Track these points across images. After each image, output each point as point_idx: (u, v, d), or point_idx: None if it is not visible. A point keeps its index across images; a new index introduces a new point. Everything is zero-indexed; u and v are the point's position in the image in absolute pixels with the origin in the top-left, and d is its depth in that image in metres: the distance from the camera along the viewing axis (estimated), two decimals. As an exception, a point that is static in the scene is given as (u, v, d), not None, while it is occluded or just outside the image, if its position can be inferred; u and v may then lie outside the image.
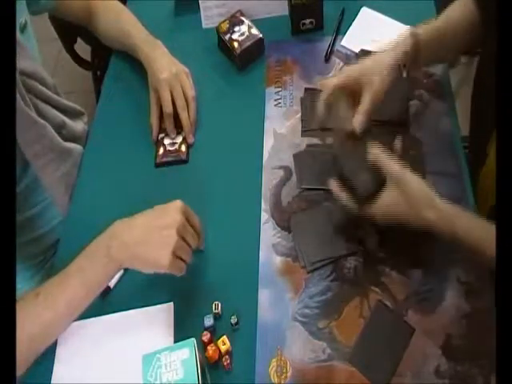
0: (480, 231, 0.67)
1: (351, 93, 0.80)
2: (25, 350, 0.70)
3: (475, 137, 0.90)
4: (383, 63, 0.79)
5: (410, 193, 0.70)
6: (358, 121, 0.77)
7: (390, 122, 0.90)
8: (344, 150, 0.79)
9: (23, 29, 0.89)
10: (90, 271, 0.72)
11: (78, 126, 1.06)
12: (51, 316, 0.72)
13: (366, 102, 0.77)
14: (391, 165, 0.71)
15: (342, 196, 0.76)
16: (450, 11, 0.85)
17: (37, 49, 0.96)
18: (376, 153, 0.73)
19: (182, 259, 0.73)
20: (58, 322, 0.74)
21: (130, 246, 0.72)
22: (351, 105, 0.79)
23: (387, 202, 0.71)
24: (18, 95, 0.81)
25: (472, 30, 0.83)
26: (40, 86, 0.91)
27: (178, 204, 0.74)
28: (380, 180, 0.72)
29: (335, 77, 0.82)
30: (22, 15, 0.89)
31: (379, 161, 0.72)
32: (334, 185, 0.77)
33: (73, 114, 1.05)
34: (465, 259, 0.75)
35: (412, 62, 0.80)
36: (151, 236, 0.71)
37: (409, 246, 0.78)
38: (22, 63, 0.85)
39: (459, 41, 0.85)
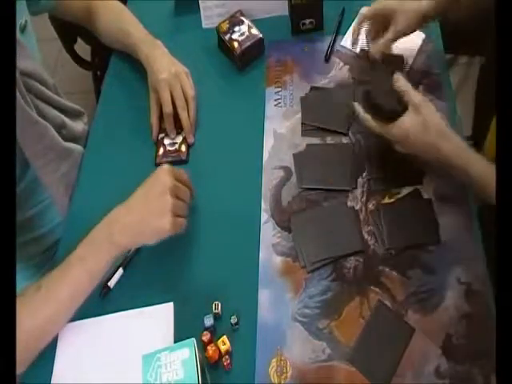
0: (487, 172, 0.69)
1: (380, 22, 0.89)
2: (27, 346, 0.71)
3: (477, 134, 0.90)
4: (424, 3, 0.84)
5: (429, 121, 0.73)
6: (377, 48, 0.87)
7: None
8: (374, 73, 0.86)
9: (23, 29, 0.89)
10: (92, 259, 0.74)
11: (78, 126, 1.06)
12: (54, 308, 0.73)
13: (391, 30, 0.85)
14: (415, 94, 0.76)
15: (366, 117, 0.80)
16: None
17: (37, 49, 0.96)
18: (402, 81, 0.77)
19: (180, 217, 0.76)
20: (61, 314, 0.75)
21: (131, 227, 0.75)
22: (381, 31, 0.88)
23: (407, 125, 0.75)
24: (18, 95, 0.81)
25: None
26: (40, 86, 0.91)
27: (164, 168, 0.78)
28: (402, 106, 0.76)
29: (368, 8, 0.89)
30: (22, 15, 0.89)
31: (404, 88, 0.76)
32: (358, 107, 0.82)
33: (73, 115, 1.05)
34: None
35: (441, 9, 0.85)
36: (149, 209, 0.75)
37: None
38: (22, 63, 0.85)
39: None
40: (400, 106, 0.76)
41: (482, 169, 0.71)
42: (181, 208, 0.77)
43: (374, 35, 0.91)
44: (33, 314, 0.71)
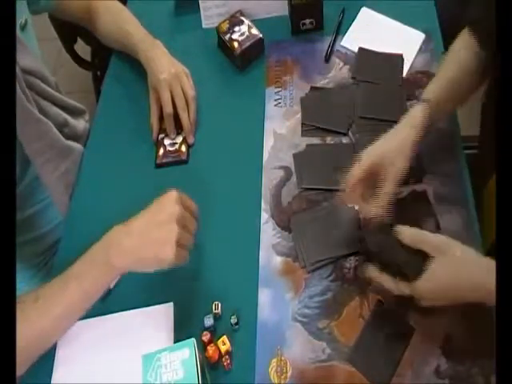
0: None
1: (371, 177, 0.76)
2: (22, 354, 0.70)
3: (485, 141, 0.90)
4: (406, 143, 0.76)
5: (455, 256, 0.66)
6: (379, 207, 0.74)
7: (389, 121, 0.89)
8: (381, 239, 0.74)
9: (23, 27, 0.89)
10: (88, 279, 0.71)
11: (80, 124, 1.06)
12: (49, 321, 0.72)
13: (387, 185, 0.75)
14: (432, 237, 0.68)
15: (385, 279, 0.70)
16: (451, 62, 0.82)
17: (37, 47, 0.96)
18: (408, 232, 0.69)
19: (184, 248, 0.72)
20: (56, 328, 0.74)
21: (131, 252, 0.71)
22: (371, 188, 0.77)
23: (434, 275, 0.66)
24: (19, 92, 0.81)
25: (479, 69, 0.80)
26: (41, 84, 0.91)
27: (173, 195, 0.73)
28: (420, 257, 0.67)
29: (356, 169, 0.75)
30: (23, 14, 0.89)
31: (415, 236, 0.69)
32: (372, 271, 0.72)
33: (74, 112, 1.05)
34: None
35: (428, 126, 0.78)
36: (152, 235, 0.70)
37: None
38: (23, 60, 0.85)
39: (469, 84, 0.82)
40: (417, 257, 0.67)
41: None
42: (186, 239, 0.72)
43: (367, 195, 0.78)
44: (29, 324, 0.70)
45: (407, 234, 0.69)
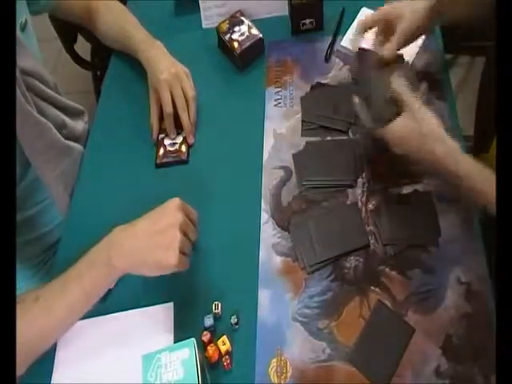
0: (481, 175, 0.69)
1: (386, 26, 0.86)
2: (22, 354, 0.70)
3: (479, 137, 0.90)
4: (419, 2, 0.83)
5: (423, 124, 0.73)
6: (388, 47, 0.83)
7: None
8: (374, 74, 0.83)
9: (23, 28, 0.89)
10: (89, 279, 0.71)
11: (79, 125, 1.06)
12: (50, 321, 0.72)
13: (398, 32, 0.83)
14: (411, 96, 0.75)
15: (363, 111, 0.80)
16: None
17: (37, 48, 0.96)
18: (399, 83, 0.77)
19: (185, 255, 0.72)
20: (57, 327, 0.74)
21: (132, 254, 0.71)
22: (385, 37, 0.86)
23: (401, 126, 0.75)
24: (18, 93, 0.81)
25: None
26: (41, 85, 0.91)
27: (176, 202, 0.74)
28: (397, 109, 0.76)
29: (372, 13, 0.87)
30: (22, 14, 0.89)
31: (401, 90, 0.76)
32: (356, 101, 0.81)
33: (73, 114, 1.05)
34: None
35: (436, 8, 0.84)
36: (155, 239, 0.71)
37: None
38: (23, 62, 0.85)
39: None
40: (393, 110, 0.76)
41: (472, 170, 0.70)
42: (187, 246, 0.72)
43: (382, 38, 0.89)
44: (30, 324, 0.70)
45: (397, 82, 0.77)
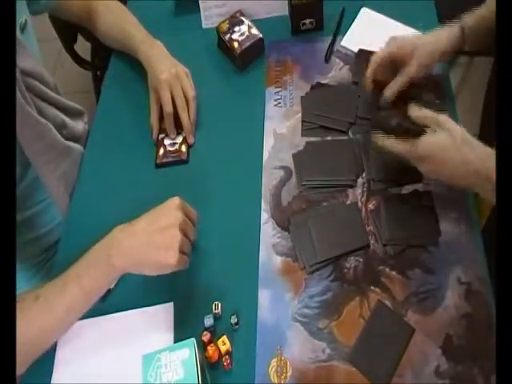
0: None
1: (397, 61, 0.86)
2: (22, 353, 0.70)
3: (485, 134, 0.90)
4: (440, 40, 0.84)
5: (454, 133, 0.72)
6: (391, 88, 0.85)
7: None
8: (390, 110, 0.84)
9: (23, 28, 0.89)
10: (89, 279, 0.72)
11: (79, 125, 1.06)
12: (49, 320, 0.72)
13: (403, 74, 0.85)
14: (434, 114, 0.74)
15: (388, 142, 0.78)
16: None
17: (37, 48, 0.96)
18: (417, 111, 0.76)
19: (185, 254, 0.72)
20: (56, 327, 0.74)
21: (132, 254, 0.71)
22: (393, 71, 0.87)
23: (432, 140, 0.73)
24: (18, 94, 0.81)
25: None
26: (40, 86, 0.91)
27: (176, 201, 0.74)
28: (421, 130, 0.75)
29: (381, 50, 0.87)
30: (22, 14, 0.89)
31: (422, 113, 0.75)
32: (377, 137, 0.80)
33: (73, 114, 1.05)
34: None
35: (456, 49, 0.85)
36: (154, 239, 0.71)
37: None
38: (23, 62, 0.85)
39: None
40: (417, 131, 0.75)
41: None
42: (187, 245, 0.73)
43: (386, 75, 0.88)
44: (29, 323, 0.70)
45: (415, 111, 0.76)
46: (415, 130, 0.75)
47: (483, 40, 0.85)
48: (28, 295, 0.73)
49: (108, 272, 0.72)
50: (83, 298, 0.72)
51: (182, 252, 0.71)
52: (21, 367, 0.72)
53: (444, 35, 0.84)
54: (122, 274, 0.73)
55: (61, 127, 0.97)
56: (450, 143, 0.72)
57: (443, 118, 0.74)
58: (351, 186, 0.86)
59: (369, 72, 0.87)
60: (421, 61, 0.84)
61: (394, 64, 0.87)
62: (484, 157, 0.70)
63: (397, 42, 0.87)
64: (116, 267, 0.71)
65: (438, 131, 0.73)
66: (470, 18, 0.84)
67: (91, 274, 0.72)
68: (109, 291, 0.80)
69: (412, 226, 0.81)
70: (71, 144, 0.98)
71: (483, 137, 0.91)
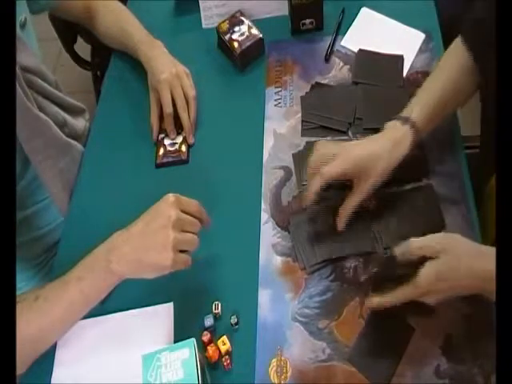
0: None
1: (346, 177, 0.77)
2: (21, 353, 0.70)
3: (486, 140, 0.90)
4: (393, 158, 0.75)
5: (457, 252, 0.65)
6: (344, 216, 0.78)
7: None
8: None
9: (23, 25, 0.89)
10: (88, 282, 0.71)
11: (80, 123, 1.06)
12: (48, 321, 0.72)
13: (356, 197, 0.76)
14: (430, 243, 0.66)
15: (386, 299, 0.69)
16: (440, 78, 0.81)
17: (37, 46, 0.96)
18: (404, 248, 0.68)
19: (186, 251, 0.71)
20: (55, 328, 0.74)
21: (130, 258, 0.71)
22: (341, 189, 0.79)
23: (435, 269, 0.65)
24: (19, 90, 0.81)
25: (468, 83, 0.81)
26: (41, 82, 0.91)
27: (169, 200, 0.72)
28: (413, 265, 0.67)
29: (334, 165, 0.75)
30: (22, 13, 0.89)
31: (416, 246, 0.67)
32: (371, 301, 0.71)
33: (74, 112, 1.05)
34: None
35: (414, 147, 0.77)
36: (149, 241, 0.70)
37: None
38: (23, 59, 0.85)
39: (456, 102, 0.83)
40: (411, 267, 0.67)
41: None
42: (186, 243, 0.71)
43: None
44: (28, 323, 0.70)
45: (404, 248, 0.68)
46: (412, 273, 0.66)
47: (436, 122, 0.80)
48: (28, 295, 0.73)
49: (107, 277, 0.72)
50: (82, 300, 0.72)
51: (180, 251, 0.70)
52: (20, 367, 0.72)
53: (400, 144, 0.75)
54: (120, 280, 0.73)
55: (62, 125, 0.97)
56: (456, 263, 0.65)
57: (441, 245, 0.66)
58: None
59: (314, 188, 0.75)
60: (379, 175, 0.75)
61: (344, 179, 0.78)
62: (493, 261, 0.59)
63: (350, 160, 0.75)
64: (115, 273, 0.71)
65: (436, 259, 0.65)
66: (417, 110, 0.77)
67: (91, 277, 0.71)
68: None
69: (413, 226, 0.81)
70: (71, 141, 0.97)
71: (484, 137, 0.91)
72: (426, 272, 0.65)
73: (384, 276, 0.72)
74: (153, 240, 0.70)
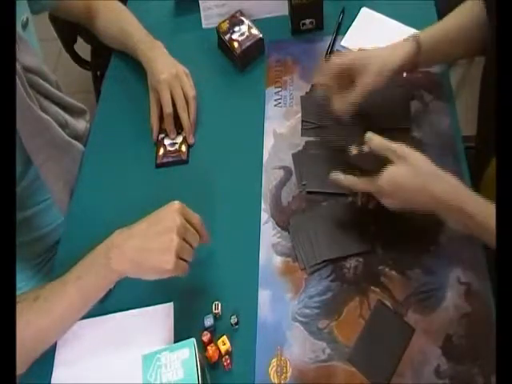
0: (485, 209, 0.67)
1: (346, 76, 0.83)
2: (21, 353, 0.70)
3: (482, 138, 0.90)
4: (390, 59, 0.81)
5: (418, 167, 0.70)
6: (344, 101, 0.83)
7: (393, 130, 0.89)
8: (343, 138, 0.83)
9: (25, 26, 0.89)
10: (88, 280, 0.71)
11: (80, 124, 1.06)
12: (48, 321, 0.72)
13: (356, 91, 0.81)
14: (396, 146, 0.72)
15: (348, 178, 0.76)
16: (454, 17, 0.85)
17: (38, 46, 0.96)
18: (376, 140, 0.73)
19: (184, 260, 0.71)
20: (55, 327, 0.74)
21: (130, 257, 0.70)
22: (342, 88, 0.84)
23: (395, 174, 0.71)
24: (21, 90, 0.81)
25: (475, 37, 0.83)
26: (43, 82, 0.91)
27: (175, 206, 0.72)
28: (382, 162, 0.72)
29: (336, 59, 0.83)
30: (24, 13, 0.89)
31: (382, 144, 0.73)
32: (336, 175, 0.78)
33: (75, 112, 1.05)
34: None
35: (411, 64, 0.82)
36: (151, 243, 0.70)
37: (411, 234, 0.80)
38: (25, 59, 0.85)
39: (460, 47, 0.86)
40: (378, 164, 0.72)
41: (479, 206, 0.67)
42: (186, 251, 0.71)
43: (337, 90, 0.85)
44: (28, 324, 0.70)
45: (376, 141, 0.73)
46: (375, 165, 0.72)
47: (437, 56, 0.86)
48: (28, 295, 0.73)
49: (107, 275, 0.72)
50: (82, 299, 0.72)
51: (180, 258, 0.70)
52: (20, 367, 0.72)
53: (400, 48, 0.82)
54: (120, 278, 0.73)
55: (63, 125, 0.97)
56: (416, 177, 0.70)
57: (404, 150, 0.71)
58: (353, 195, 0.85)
59: (322, 78, 0.84)
60: (376, 72, 0.80)
61: (348, 78, 0.83)
62: (452, 188, 0.69)
63: (353, 53, 0.85)
64: (115, 270, 0.71)
65: (399, 163, 0.71)
66: (426, 34, 0.83)
67: (90, 275, 0.71)
68: (109, 291, 0.80)
69: (413, 226, 0.81)
70: (72, 140, 0.98)
71: (481, 135, 0.92)
72: (387, 173, 0.71)
73: (354, 165, 0.77)
74: (156, 242, 0.70)
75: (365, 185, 0.74)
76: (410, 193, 0.71)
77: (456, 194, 0.69)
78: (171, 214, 0.71)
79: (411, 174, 0.70)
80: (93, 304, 0.74)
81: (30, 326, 0.71)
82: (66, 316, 0.73)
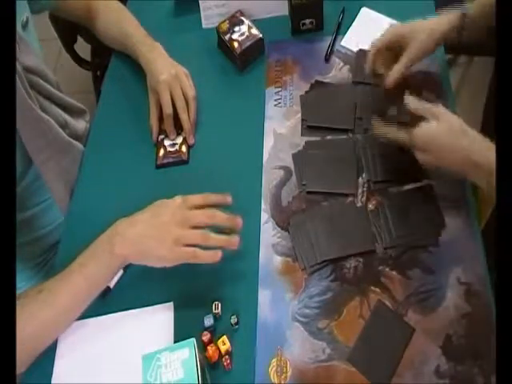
0: None
1: (396, 49, 0.87)
2: (25, 348, 0.71)
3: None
4: (437, 27, 0.85)
5: (448, 123, 0.73)
6: (396, 69, 0.85)
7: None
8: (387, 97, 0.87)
9: (25, 26, 0.89)
10: (92, 268, 0.73)
11: (80, 124, 1.06)
12: (53, 313, 0.73)
13: (407, 54, 0.85)
14: (431, 106, 0.76)
15: (386, 129, 0.81)
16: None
17: (38, 46, 0.96)
18: (415, 102, 0.77)
19: (193, 246, 0.74)
20: (60, 319, 0.74)
21: (133, 242, 0.73)
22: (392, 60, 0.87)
23: (427, 130, 0.74)
24: (22, 90, 0.81)
25: None
26: (43, 82, 0.91)
27: (176, 200, 0.77)
28: (417, 120, 0.76)
29: (382, 36, 0.87)
30: (24, 13, 0.89)
31: (419, 103, 0.77)
32: (377, 123, 0.83)
33: (75, 113, 1.05)
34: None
35: (457, 29, 0.85)
36: (152, 231, 0.74)
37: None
38: (26, 59, 0.85)
39: None
40: (414, 121, 0.76)
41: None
42: (192, 237, 0.74)
43: (387, 64, 0.89)
44: (31, 317, 0.71)
45: (413, 101, 0.77)
46: (412, 120, 0.76)
47: (482, 30, 0.86)
48: (31, 290, 0.74)
49: (111, 261, 0.73)
50: (86, 287, 0.73)
51: (187, 245, 0.73)
52: (24, 362, 0.73)
53: (444, 20, 0.85)
54: (124, 263, 0.75)
55: (63, 126, 0.97)
56: (447, 133, 0.73)
57: (439, 109, 0.75)
58: (352, 194, 0.85)
59: (369, 58, 0.88)
60: (421, 43, 0.84)
61: (394, 53, 0.87)
62: (483, 148, 0.70)
63: (395, 28, 0.88)
64: (118, 256, 0.73)
65: (434, 122, 0.74)
66: (471, 6, 0.84)
67: (94, 262, 0.73)
68: (109, 290, 0.80)
69: (413, 225, 0.81)
70: (72, 141, 0.98)
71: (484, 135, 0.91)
72: (423, 128, 0.74)
73: (392, 115, 0.82)
74: (156, 231, 0.74)
75: (401, 136, 0.78)
76: (441, 148, 0.73)
77: (485, 152, 0.70)
78: (170, 208, 0.76)
79: (443, 130, 0.73)
80: (97, 293, 0.75)
81: (35, 319, 0.71)
82: (71, 305, 0.74)
